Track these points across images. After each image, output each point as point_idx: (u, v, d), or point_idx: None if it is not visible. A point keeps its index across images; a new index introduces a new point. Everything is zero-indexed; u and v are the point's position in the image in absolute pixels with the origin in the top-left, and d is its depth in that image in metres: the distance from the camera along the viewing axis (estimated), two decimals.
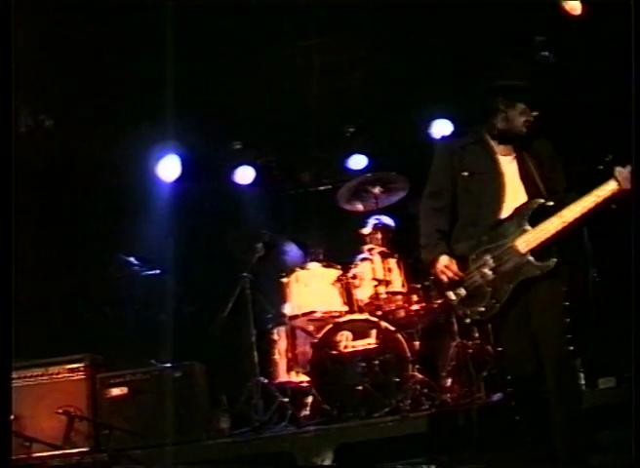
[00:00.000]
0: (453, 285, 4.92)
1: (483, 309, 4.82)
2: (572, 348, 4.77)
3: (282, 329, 8.00)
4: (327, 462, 5.99)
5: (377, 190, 7.93)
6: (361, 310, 7.61)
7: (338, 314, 7.64)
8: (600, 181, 4.75)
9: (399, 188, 8.13)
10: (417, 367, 7.06)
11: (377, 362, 7.05)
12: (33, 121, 8.29)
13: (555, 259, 4.72)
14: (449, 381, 7.17)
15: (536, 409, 4.87)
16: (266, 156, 9.64)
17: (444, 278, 4.93)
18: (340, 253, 8.38)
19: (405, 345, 7.10)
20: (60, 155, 8.79)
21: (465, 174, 5.02)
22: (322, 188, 9.78)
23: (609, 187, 4.64)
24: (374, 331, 7.16)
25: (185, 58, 7.89)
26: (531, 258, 4.74)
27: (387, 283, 7.58)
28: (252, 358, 7.73)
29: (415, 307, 7.62)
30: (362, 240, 7.99)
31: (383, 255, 7.71)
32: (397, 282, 7.64)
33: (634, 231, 4.33)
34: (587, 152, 6.50)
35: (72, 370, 7.09)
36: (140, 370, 7.15)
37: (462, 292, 4.90)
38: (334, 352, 7.20)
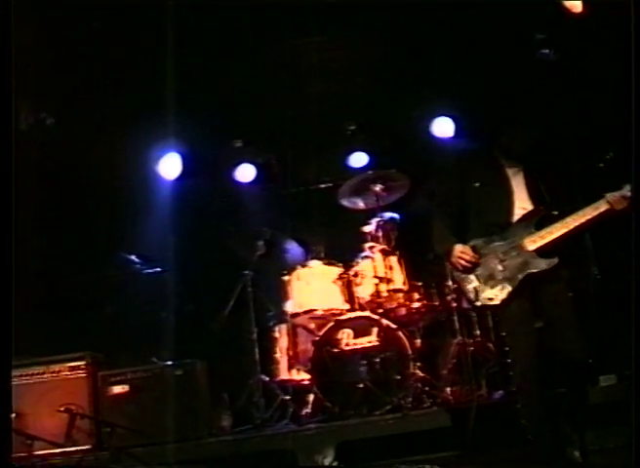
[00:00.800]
0: (466, 271, 5.33)
1: (492, 295, 5.22)
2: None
3: (283, 326, 8.00)
4: (328, 460, 6.00)
5: (377, 188, 7.92)
6: (362, 308, 7.61)
7: (339, 312, 7.64)
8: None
9: (400, 186, 8.12)
10: (418, 364, 7.05)
11: (378, 360, 7.06)
12: (34, 119, 8.30)
13: (557, 258, 5.13)
14: (450, 379, 7.17)
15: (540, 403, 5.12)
16: (267, 154, 9.63)
17: (461, 263, 5.31)
18: (342, 251, 8.37)
19: (406, 343, 7.11)
20: (61, 153, 8.80)
21: (477, 184, 5.43)
22: (323, 186, 9.77)
23: (601, 207, 5.06)
24: (375, 329, 7.16)
25: (186, 56, 7.90)
26: (537, 255, 5.16)
27: (389, 281, 7.58)
28: (253, 356, 7.75)
29: (416, 305, 7.63)
30: (363, 238, 7.99)
31: (385, 253, 7.70)
32: (398, 280, 7.64)
33: (635, 229, 4.35)
34: (588, 150, 6.51)
35: (74, 369, 7.10)
36: (142, 368, 7.16)
37: (474, 280, 5.29)
38: (335, 350, 7.20)
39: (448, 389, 7.09)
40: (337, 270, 7.82)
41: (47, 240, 8.72)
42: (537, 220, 5.22)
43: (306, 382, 7.47)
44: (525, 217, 5.26)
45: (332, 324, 7.43)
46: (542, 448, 5.04)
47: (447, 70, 8.75)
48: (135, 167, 9.09)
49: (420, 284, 7.70)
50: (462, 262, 5.31)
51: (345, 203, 8.34)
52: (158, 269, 8.41)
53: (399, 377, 6.95)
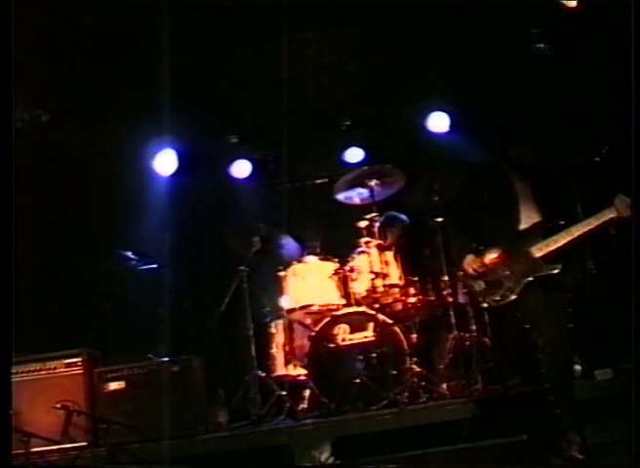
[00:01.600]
0: (476, 277, 5.71)
1: (499, 298, 5.58)
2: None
3: (279, 322, 8.01)
4: (325, 455, 6.00)
5: (373, 183, 7.91)
6: (358, 303, 7.61)
7: (335, 307, 7.64)
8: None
9: (395, 181, 8.12)
10: (414, 359, 7.07)
11: (374, 355, 7.07)
12: (29, 116, 8.28)
13: (561, 265, 5.44)
14: (446, 374, 7.18)
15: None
16: (263, 150, 9.62)
17: (470, 271, 5.71)
18: (338, 247, 8.37)
19: (402, 338, 7.12)
20: (57, 150, 8.79)
21: (486, 195, 5.82)
22: (319, 181, 9.77)
23: (609, 214, 5.31)
24: (371, 324, 7.17)
25: (181, 52, 7.89)
26: (543, 262, 5.48)
27: (385, 276, 7.59)
28: (249, 352, 7.73)
29: (412, 300, 7.63)
30: (359, 233, 7.99)
31: (380, 248, 7.70)
32: (394, 275, 7.64)
33: (635, 226, 4.37)
34: (584, 144, 6.52)
35: (70, 365, 7.10)
36: (138, 365, 7.15)
37: (483, 285, 5.68)
38: (331, 345, 7.21)
39: (444, 384, 7.09)
40: (332, 265, 7.82)
41: (42, 237, 8.70)
42: (543, 231, 5.52)
43: (303, 378, 7.48)
44: (533, 228, 5.58)
45: (328, 319, 7.43)
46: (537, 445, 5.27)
47: (442, 65, 8.76)
48: (130, 163, 9.08)
49: (415, 279, 7.70)
50: (472, 271, 5.69)
51: (341, 198, 8.32)
52: (154, 265, 8.40)
53: (395, 372, 6.96)
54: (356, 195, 8.22)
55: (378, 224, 7.87)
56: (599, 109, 7.55)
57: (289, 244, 8.36)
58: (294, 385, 7.66)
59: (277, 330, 7.99)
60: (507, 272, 5.56)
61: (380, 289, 7.55)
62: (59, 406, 6.73)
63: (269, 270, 8.28)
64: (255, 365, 7.66)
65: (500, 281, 5.57)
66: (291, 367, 7.78)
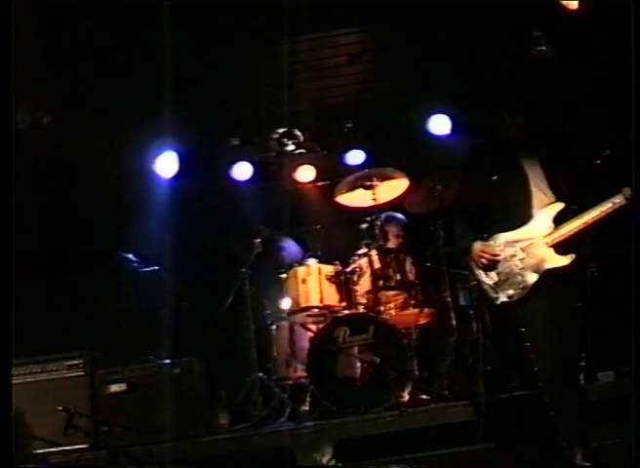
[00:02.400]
0: (486, 268, 5.39)
1: (512, 292, 5.28)
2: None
3: (281, 324, 8.02)
4: (326, 458, 6.00)
5: (375, 185, 7.90)
6: (359, 305, 7.61)
7: (336, 309, 7.65)
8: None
9: (397, 183, 8.12)
10: (415, 362, 7.06)
11: (375, 357, 7.06)
12: (31, 118, 8.28)
13: (574, 255, 5.19)
14: (447, 376, 7.17)
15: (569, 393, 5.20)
16: (264, 152, 9.63)
17: (481, 261, 5.38)
18: (339, 249, 8.38)
19: (403, 341, 7.11)
20: (58, 152, 8.79)
21: (494, 178, 5.46)
22: (320, 184, 9.78)
23: (618, 201, 5.07)
24: (372, 327, 7.16)
25: (183, 54, 7.88)
26: (554, 252, 5.23)
27: (386, 278, 7.58)
28: (250, 354, 7.74)
29: (413, 302, 7.63)
30: (360, 235, 7.99)
31: (381, 251, 7.70)
32: (395, 277, 7.63)
33: (635, 226, 4.35)
34: (585, 147, 6.51)
35: (71, 367, 7.09)
36: (139, 367, 7.15)
37: (495, 277, 5.35)
38: (332, 347, 7.20)
39: (445, 386, 7.08)
40: (334, 268, 7.83)
41: (44, 239, 8.70)
42: (555, 215, 5.27)
43: (304, 380, 7.47)
44: (544, 211, 5.30)
45: (329, 321, 7.44)
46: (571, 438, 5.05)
47: (444, 67, 8.76)
48: (132, 165, 9.09)
49: (417, 281, 7.70)
50: (483, 261, 5.37)
51: (342, 200, 8.33)
52: (155, 268, 8.40)
53: (396, 375, 6.95)
54: (357, 197, 8.21)
55: (377, 225, 7.86)
56: (599, 111, 7.55)
57: (290, 246, 8.36)
58: (295, 387, 7.66)
59: (278, 332, 8.00)
60: (519, 263, 5.28)
61: (381, 291, 7.55)
62: (60, 408, 6.74)
63: (271, 272, 8.29)
64: (256, 367, 7.66)
65: (513, 272, 5.29)
66: (292, 369, 7.79)
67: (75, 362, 7.13)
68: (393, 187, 8.14)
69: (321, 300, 7.70)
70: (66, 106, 8.55)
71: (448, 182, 7.82)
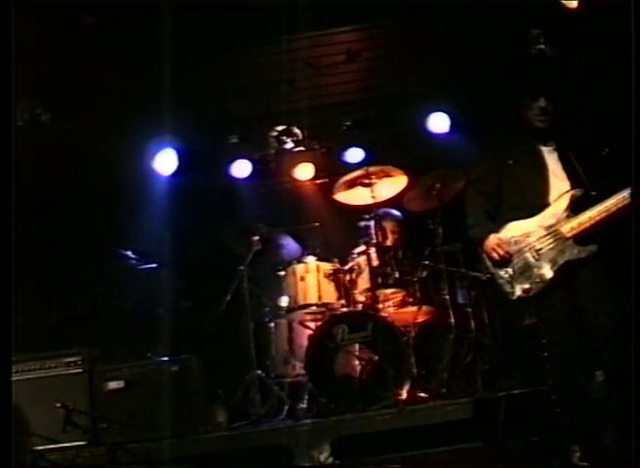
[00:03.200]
0: (500, 263, 5.18)
1: (528, 286, 5.08)
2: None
3: (279, 322, 8.02)
4: (324, 455, 6.00)
5: (373, 183, 7.91)
6: (357, 303, 7.62)
7: (334, 307, 7.66)
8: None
9: (396, 181, 8.13)
10: (413, 359, 7.07)
11: (373, 355, 7.06)
12: (30, 115, 8.28)
13: (596, 245, 5.00)
14: (445, 374, 7.18)
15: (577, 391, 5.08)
16: (263, 150, 9.63)
17: (494, 256, 5.18)
18: (337, 247, 8.39)
19: (401, 338, 7.12)
20: (57, 149, 8.79)
21: (510, 162, 5.30)
22: (319, 181, 9.79)
23: None
24: (370, 324, 7.16)
25: (181, 52, 7.89)
26: (574, 243, 5.04)
27: (384, 276, 7.59)
28: (249, 351, 7.73)
29: (411, 300, 7.64)
30: (359, 233, 7.99)
31: (380, 249, 7.71)
32: (393, 275, 7.64)
33: (635, 228, 4.32)
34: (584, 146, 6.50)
35: (69, 364, 7.08)
36: (138, 364, 7.14)
37: (510, 271, 5.15)
38: (330, 345, 7.20)
39: (443, 384, 7.09)
40: (332, 266, 7.84)
41: (42, 236, 8.71)
42: (574, 203, 5.07)
43: (302, 378, 7.47)
44: (562, 200, 5.11)
45: (327, 319, 7.45)
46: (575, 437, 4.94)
47: (443, 65, 8.77)
48: (130, 163, 9.09)
49: (415, 279, 7.70)
50: (496, 255, 5.17)
51: (341, 198, 8.33)
52: (154, 265, 8.41)
53: (394, 373, 6.95)
54: (356, 195, 8.22)
55: (373, 223, 7.86)
56: (599, 110, 7.55)
57: (289, 244, 8.37)
58: (293, 385, 7.66)
59: (277, 329, 8.00)
60: (536, 255, 5.07)
61: (380, 289, 7.56)
62: (58, 405, 6.73)
63: (269, 270, 8.30)
64: (254, 364, 7.66)
65: (529, 265, 5.08)
66: (290, 366, 7.79)
67: (73, 359, 7.12)
68: (392, 185, 8.14)
69: (319, 298, 7.72)
70: (65, 104, 8.55)
71: (446, 180, 7.84)
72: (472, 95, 8.91)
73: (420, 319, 7.77)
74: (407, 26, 8.53)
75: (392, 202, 8.28)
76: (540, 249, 5.09)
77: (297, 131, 9.40)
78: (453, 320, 7.44)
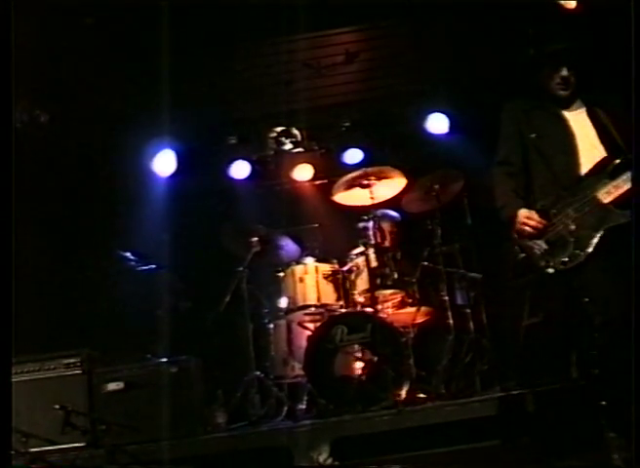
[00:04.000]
0: (533, 237, 4.93)
1: (566, 259, 4.78)
2: None
3: (278, 323, 8.02)
4: (323, 456, 6.00)
5: (372, 184, 7.90)
6: (356, 304, 7.62)
7: (333, 308, 7.66)
8: None
9: (395, 182, 8.12)
10: (412, 360, 7.07)
11: (372, 356, 7.06)
12: (29, 116, 8.28)
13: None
14: (444, 375, 7.18)
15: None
16: (262, 151, 9.64)
17: (526, 230, 4.93)
18: (336, 248, 8.39)
19: (400, 339, 7.11)
20: (55, 150, 8.79)
21: (533, 136, 5.06)
22: (318, 182, 9.79)
23: None
24: (369, 325, 7.15)
25: (181, 53, 7.89)
26: (613, 208, 4.74)
27: (383, 277, 7.59)
28: (248, 352, 7.74)
29: (410, 301, 7.64)
30: (357, 234, 7.99)
31: (379, 250, 7.71)
32: (393, 276, 7.64)
33: (635, 226, 4.27)
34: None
35: (68, 366, 7.08)
36: (137, 365, 7.14)
37: (544, 244, 4.89)
38: (329, 346, 7.20)
39: (442, 385, 7.09)
40: (331, 267, 7.85)
41: (41, 237, 8.70)
42: (611, 169, 4.78)
43: (301, 379, 7.47)
44: (598, 167, 4.83)
45: (326, 320, 7.45)
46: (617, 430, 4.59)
47: (442, 66, 8.77)
48: (129, 164, 9.10)
49: (414, 280, 7.71)
50: (528, 229, 4.91)
51: (340, 199, 8.33)
52: (153, 266, 8.40)
53: (394, 373, 6.95)
54: (355, 196, 8.22)
55: (372, 224, 7.85)
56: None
57: (288, 245, 8.37)
58: (292, 386, 7.66)
59: (276, 330, 8.00)
60: (572, 226, 4.77)
61: (379, 290, 7.56)
62: (57, 406, 6.73)
63: (268, 271, 8.30)
64: (253, 366, 7.67)
65: (565, 238, 4.78)
66: (289, 367, 7.79)
67: (73, 360, 7.12)
68: (391, 186, 8.13)
69: (318, 299, 7.72)
70: (64, 105, 8.55)
71: (445, 181, 7.85)
72: (471, 95, 8.91)
73: (419, 320, 7.77)
74: (405, 27, 8.54)
75: (391, 203, 8.27)
76: (577, 218, 4.81)
77: (295, 132, 9.42)
78: (452, 321, 7.45)
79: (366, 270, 7.61)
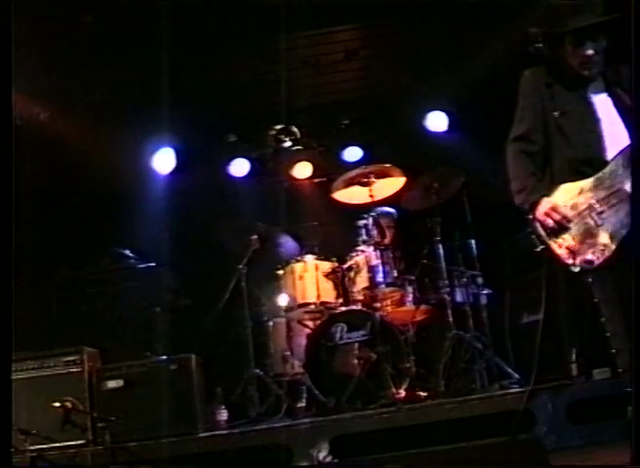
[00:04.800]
0: (556, 231, 4.44)
1: (592, 257, 4.35)
2: None
3: (277, 321, 8.03)
4: (323, 453, 5.99)
5: (372, 182, 7.90)
6: (356, 302, 7.62)
7: (333, 306, 7.66)
8: None
9: (394, 180, 8.12)
10: (412, 358, 7.07)
11: (372, 353, 7.06)
12: (28, 114, 8.28)
13: None
14: (444, 373, 7.18)
15: None
16: (261, 148, 9.64)
17: (549, 223, 4.44)
18: (336, 246, 8.39)
19: (400, 337, 7.12)
20: (55, 148, 8.78)
21: (556, 114, 4.58)
22: (317, 180, 9.79)
23: None
24: (369, 323, 7.16)
25: (180, 51, 7.89)
26: None
27: (382, 274, 7.59)
28: (247, 350, 7.74)
29: (410, 299, 7.64)
30: (357, 232, 7.99)
31: (379, 248, 7.70)
32: (392, 274, 7.64)
33: (633, 224, 4.21)
34: None
35: (68, 363, 7.07)
36: (136, 363, 7.13)
37: (569, 239, 4.42)
38: (329, 344, 7.21)
39: (442, 383, 7.09)
40: (330, 264, 7.84)
41: (41, 235, 8.70)
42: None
43: (300, 376, 7.48)
44: (623, 153, 4.37)
45: (326, 318, 7.45)
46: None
47: (441, 64, 8.77)
48: (129, 161, 9.10)
49: (413, 278, 7.71)
50: (551, 222, 4.42)
51: (339, 197, 8.33)
52: (152, 264, 8.41)
53: (393, 371, 6.96)
54: (354, 194, 8.22)
55: (371, 222, 7.85)
56: None
57: (287, 243, 8.37)
58: (292, 384, 7.66)
59: (275, 328, 8.01)
60: (598, 219, 4.35)
61: (378, 287, 7.56)
62: (57, 404, 6.73)
63: (267, 269, 8.29)
64: (253, 363, 7.67)
65: (591, 232, 4.35)
66: (289, 365, 7.79)
67: (72, 358, 7.11)
68: (390, 184, 8.13)
69: (318, 297, 7.71)
70: (63, 103, 8.55)
71: (445, 179, 7.85)
72: (471, 93, 8.92)
73: (419, 317, 7.78)
74: (405, 25, 8.52)
75: (390, 201, 8.27)
76: (602, 212, 4.37)
77: (295, 129, 9.42)
78: (451, 318, 7.44)
79: (365, 268, 7.60)
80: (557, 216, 4.41)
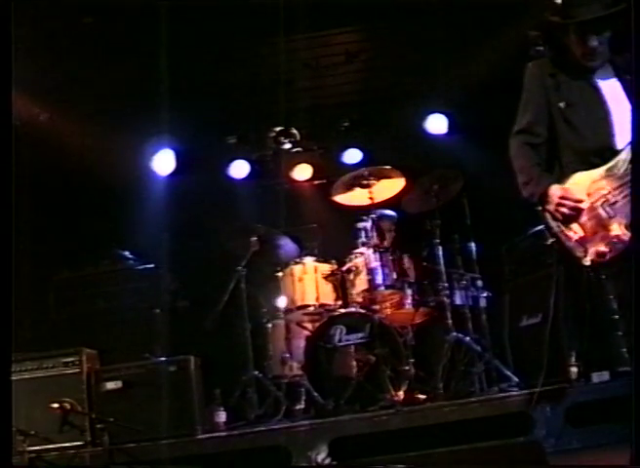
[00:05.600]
0: (569, 218, 4.30)
1: (605, 249, 4.19)
2: None
3: (277, 323, 8.02)
4: (321, 456, 5.99)
5: (371, 184, 7.90)
6: (355, 304, 7.61)
7: (332, 308, 7.65)
8: None
9: (394, 182, 8.12)
10: (411, 360, 7.07)
11: (371, 356, 7.06)
12: (28, 115, 8.28)
13: None
14: (443, 375, 7.17)
15: None
16: (261, 150, 9.65)
17: (561, 211, 4.30)
18: (335, 248, 8.39)
19: (399, 339, 7.11)
20: (54, 149, 8.78)
21: (562, 105, 4.46)
22: (317, 182, 9.79)
23: None
24: (368, 325, 7.16)
25: (180, 52, 7.89)
26: None
27: (382, 277, 7.58)
28: (246, 352, 7.74)
29: (409, 301, 7.63)
30: (357, 234, 7.98)
31: (378, 250, 7.70)
32: (392, 276, 7.63)
33: (633, 225, 4.18)
34: None
35: (67, 364, 7.07)
36: (135, 364, 7.13)
37: (579, 230, 4.29)
38: (328, 346, 7.20)
39: (441, 385, 7.08)
40: (330, 267, 7.84)
41: (40, 236, 8.70)
42: None
43: (299, 378, 7.47)
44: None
45: (325, 320, 7.44)
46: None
47: (441, 67, 8.77)
48: (129, 163, 9.10)
49: (412, 280, 7.70)
50: (564, 210, 4.28)
51: (339, 199, 8.33)
52: (151, 265, 8.40)
53: (392, 374, 6.95)
54: (354, 196, 8.21)
55: (371, 224, 7.85)
56: None
57: (287, 244, 8.36)
58: (291, 386, 7.66)
59: (274, 330, 8.00)
60: (611, 210, 4.20)
61: (377, 290, 7.56)
62: (55, 405, 6.72)
63: (267, 271, 8.29)
64: (252, 365, 7.66)
65: (603, 221, 4.20)
66: (288, 367, 7.79)
67: (71, 359, 7.11)
68: (390, 186, 8.13)
69: (317, 299, 7.70)
70: (63, 104, 8.55)
71: (444, 181, 7.85)
72: (471, 95, 8.92)
73: (418, 320, 7.78)
74: (405, 27, 8.53)
75: (390, 203, 8.26)
76: (615, 202, 4.22)
77: (295, 131, 9.43)
78: (450, 321, 7.43)
79: (365, 270, 7.60)
80: (570, 203, 4.29)
